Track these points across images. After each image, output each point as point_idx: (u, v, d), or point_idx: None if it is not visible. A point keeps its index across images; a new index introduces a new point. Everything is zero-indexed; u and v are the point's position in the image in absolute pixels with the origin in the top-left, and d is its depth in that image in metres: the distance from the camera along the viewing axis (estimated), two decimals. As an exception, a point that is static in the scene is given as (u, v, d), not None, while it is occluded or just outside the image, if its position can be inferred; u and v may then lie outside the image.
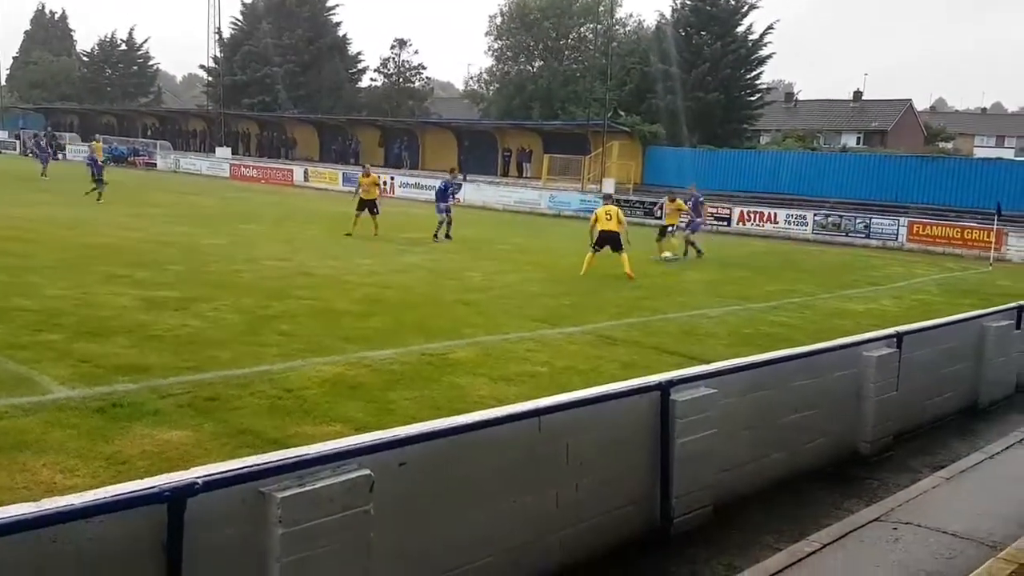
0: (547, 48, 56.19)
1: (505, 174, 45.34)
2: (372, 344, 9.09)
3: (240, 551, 3.02)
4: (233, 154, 53.52)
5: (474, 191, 38.25)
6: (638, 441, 4.97)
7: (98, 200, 25.91)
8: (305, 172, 45.97)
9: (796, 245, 28.21)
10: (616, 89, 45.00)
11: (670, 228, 20.52)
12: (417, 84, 65.33)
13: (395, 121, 54.16)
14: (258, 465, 3.13)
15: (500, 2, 58.36)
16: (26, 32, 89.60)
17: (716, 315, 12.62)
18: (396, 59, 63.70)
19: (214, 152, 53.60)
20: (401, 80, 64.12)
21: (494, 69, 58.76)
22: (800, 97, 65.36)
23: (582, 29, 56.43)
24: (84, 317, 9.47)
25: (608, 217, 16.45)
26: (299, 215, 23.96)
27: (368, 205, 20.81)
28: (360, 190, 21.10)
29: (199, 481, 2.83)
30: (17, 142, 61.45)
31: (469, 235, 22.04)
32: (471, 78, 64.21)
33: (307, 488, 3.18)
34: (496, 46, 57.46)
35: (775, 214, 31.50)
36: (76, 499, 2.60)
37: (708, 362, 6.41)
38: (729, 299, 14.37)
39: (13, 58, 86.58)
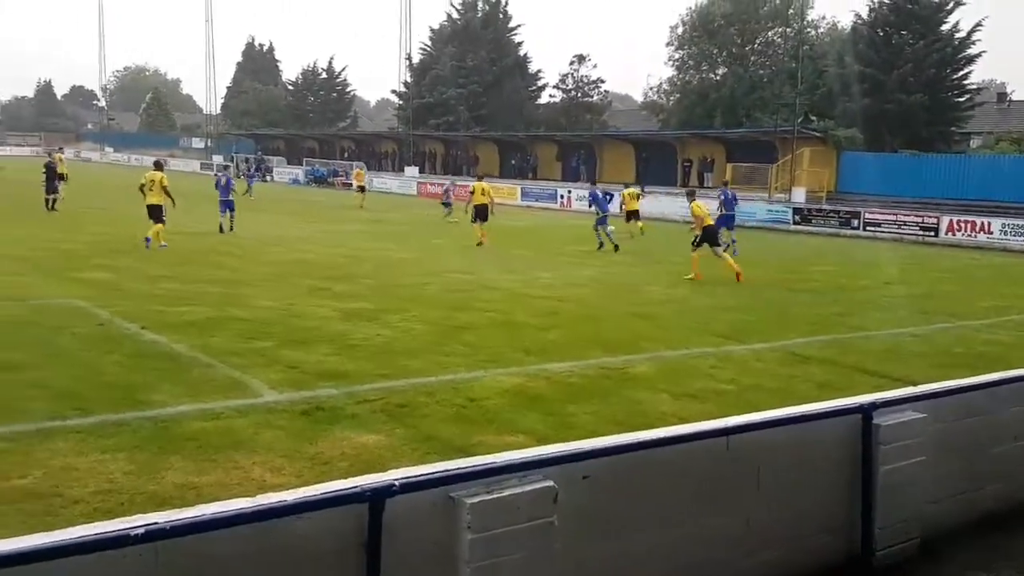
0: (731, 55, 54.69)
1: (685, 184, 44.49)
2: (551, 356, 9.18)
3: (432, 552, 3.13)
4: (420, 172, 56.05)
5: (652, 203, 37.65)
6: (837, 466, 4.67)
7: (448, 216, 28.60)
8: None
9: (1014, 257, 25.65)
10: (807, 93, 43.07)
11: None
12: (595, 98, 65.62)
13: (573, 135, 54.71)
14: (449, 471, 3.23)
15: (682, 12, 57.56)
16: (238, 63, 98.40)
17: (922, 333, 11.72)
18: (575, 74, 64.36)
19: (404, 171, 56.41)
20: (579, 95, 64.66)
21: (675, 79, 57.94)
22: (1014, 97, 59.49)
23: (770, 33, 54.51)
24: (290, 327, 10.22)
25: (704, 215, 16.56)
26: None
27: (482, 214, 21.62)
28: (473, 197, 22.10)
29: (396, 483, 2.96)
30: (231, 165, 67.54)
31: (647, 248, 21.82)
32: (650, 89, 63.48)
33: (494, 496, 3.24)
34: (677, 56, 56.66)
35: (989, 223, 28.78)
36: (288, 496, 2.80)
37: (914, 384, 5.93)
38: (936, 316, 13.30)
39: (227, 88, 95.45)
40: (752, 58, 54.95)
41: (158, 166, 18.79)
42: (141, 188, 17.91)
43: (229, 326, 10.06)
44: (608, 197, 23.31)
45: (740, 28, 54.01)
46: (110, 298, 11.56)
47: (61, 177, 28.01)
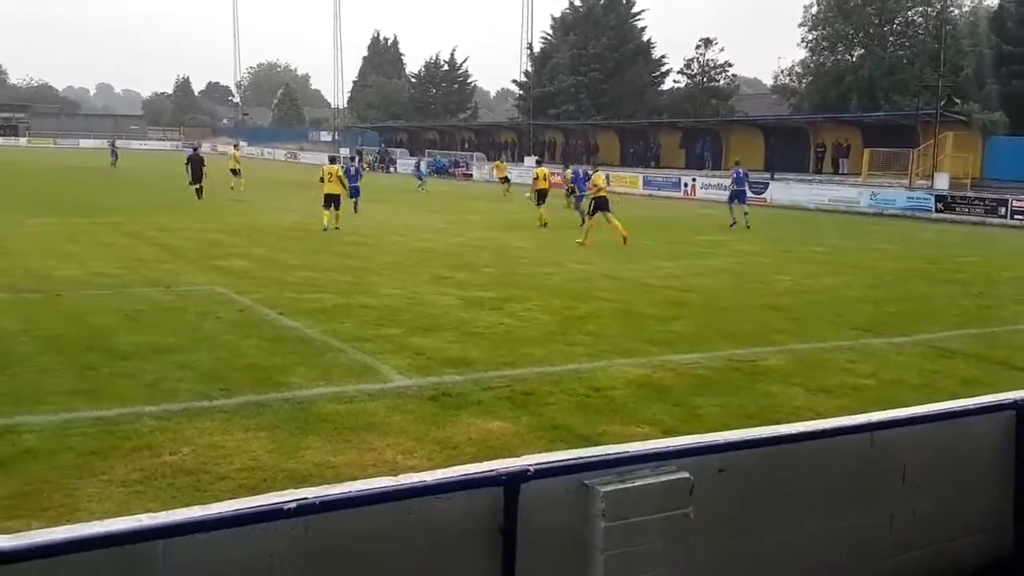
0: (868, 35, 52.10)
1: (818, 171, 42.78)
2: (676, 347, 9.01)
3: (566, 538, 3.12)
4: (539, 163, 56.08)
5: (782, 189, 36.51)
6: (988, 464, 4.38)
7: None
8: (607, 177, 46.88)
9: None
10: (950, 75, 40.49)
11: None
12: (722, 82, 63.85)
13: (697, 121, 53.51)
14: (582, 458, 3.20)
15: (817, -10, 54.95)
16: (364, 58, 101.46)
17: (1080, 327, 10.83)
18: (701, 59, 62.83)
19: (523, 161, 56.68)
20: (705, 80, 63.09)
21: (808, 61, 55.68)
22: None
23: (910, 13, 51.58)
24: (416, 314, 10.47)
25: (603, 185, 18.93)
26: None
27: (542, 197, 23.68)
28: (536, 182, 24.17)
29: (531, 468, 2.97)
30: (358, 157, 69.62)
31: (777, 236, 21.10)
32: (781, 72, 61.06)
33: (628, 485, 3.19)
34: (811, 37, 54.39)
35: None
36: (427, 476, 2.87)
37: (1076, 381, 5.50)
38: (1096, 309, 12.26)
39: (353, 82, 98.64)
40: (891, 39, 52.20)
41: (332, 160, 22.14)
42: (321, 180, 20.54)
43: (358, 313, 10.39)
44: (586, 177, 24.94)
45: (878, 7, 51.38)
46: (248, 285, 12.17)
47: (235, 171, 31.62)
